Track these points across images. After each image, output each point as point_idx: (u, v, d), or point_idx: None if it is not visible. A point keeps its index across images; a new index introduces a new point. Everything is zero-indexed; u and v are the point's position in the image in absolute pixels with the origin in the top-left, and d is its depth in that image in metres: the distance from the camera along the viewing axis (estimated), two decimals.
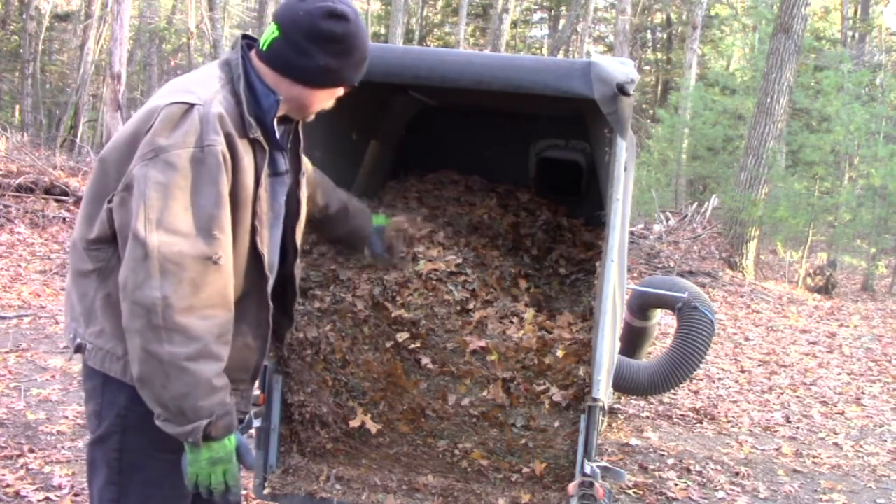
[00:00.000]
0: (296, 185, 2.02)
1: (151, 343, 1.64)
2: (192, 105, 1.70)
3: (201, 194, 1.68)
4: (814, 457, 4.80)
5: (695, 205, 14.49)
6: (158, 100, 1.75)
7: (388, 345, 2.58)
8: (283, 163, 1.94)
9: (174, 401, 1.66)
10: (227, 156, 1.72)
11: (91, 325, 1.80)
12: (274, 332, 2.02)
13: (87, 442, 1.89)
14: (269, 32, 1.83)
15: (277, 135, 1.90)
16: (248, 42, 1.89)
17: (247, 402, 2.01)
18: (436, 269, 2.59)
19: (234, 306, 1.80)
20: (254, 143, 1.80)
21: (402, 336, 2.56)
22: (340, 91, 1.92)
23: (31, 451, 3.91)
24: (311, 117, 1.96)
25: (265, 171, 1.84)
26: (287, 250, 2.01)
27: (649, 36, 28.00)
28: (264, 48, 1.83)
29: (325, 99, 1.91)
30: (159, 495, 1.83)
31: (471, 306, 2.57)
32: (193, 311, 1.65)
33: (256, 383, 2.65)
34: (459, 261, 2.71)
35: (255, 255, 1.84)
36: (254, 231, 1.82)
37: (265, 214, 1.85)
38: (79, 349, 1.84)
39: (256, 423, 2.60)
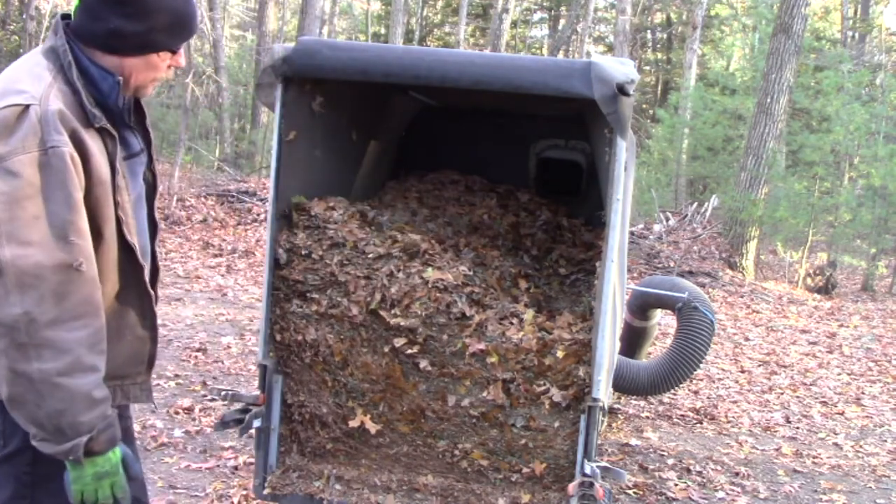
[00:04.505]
0: (150, 160, 1.92)
1: (19, 362, 1.55)
2: (26, 106, 1.59)
3: (51, 200, 1.57)
4: (814, 457, 4.80)
5: (695, 205, 14.48)
6: None
7: (386, 349, 2.58)
8: (136, 142, 1.85)
9: (50, 419, 1.58)
10: (76, 155, 1.61)
11: None
12: None
13: None
14: (76, 2, 1.72)
15: (125, 116, 1.81)
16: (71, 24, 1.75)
17: (147, 394, 1.93)
18: (443, 279, 2.57)
19: (113, 304, 1.75)
20: (101, 132, 1.70)
21: (399, 341, 2.56)
22: (161, 59, 1.77)
23: None
24: (147, 92, 1.82)
25: (120, 155, 1.75)
26: (149, 227, 1.92)
27: (649, 36, 27.99)
28: (73, 19, 1.72)
29: (145, 69, 1.76)
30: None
31: (471, 311, 2.57)
32: (60, 324, 1.57)
33: (256, 383, 2.66)
34: (469, 272, 2.70)
35: (125, 247, 1.76)
36: (119, 222, 1.73)
37: (128, 203, 1.76)
38: None
39: (256, 423, 2.60)
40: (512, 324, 2.59)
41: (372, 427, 2.62)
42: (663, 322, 7.03)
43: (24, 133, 1.57)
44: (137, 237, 1.81)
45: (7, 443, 1.74)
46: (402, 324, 2.53)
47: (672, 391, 5.40)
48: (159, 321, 1.97)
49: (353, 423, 2.62)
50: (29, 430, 1.63)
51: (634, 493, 4.04)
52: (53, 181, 1.58)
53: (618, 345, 3.25)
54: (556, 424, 2.52)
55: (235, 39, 26.14)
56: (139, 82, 1.78)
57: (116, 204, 1.73)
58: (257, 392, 2.62)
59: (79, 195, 1.62)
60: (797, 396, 6.21)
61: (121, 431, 1.76)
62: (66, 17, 1.76)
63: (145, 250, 1.86)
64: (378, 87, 3.01)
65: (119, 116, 1.77)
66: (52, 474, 1.74)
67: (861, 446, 5.06)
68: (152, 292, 1.87)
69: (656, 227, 13.32)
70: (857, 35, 24.78)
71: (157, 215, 1.98)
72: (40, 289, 1.56)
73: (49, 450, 1.62)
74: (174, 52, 1.80)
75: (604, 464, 2.39)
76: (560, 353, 2.49)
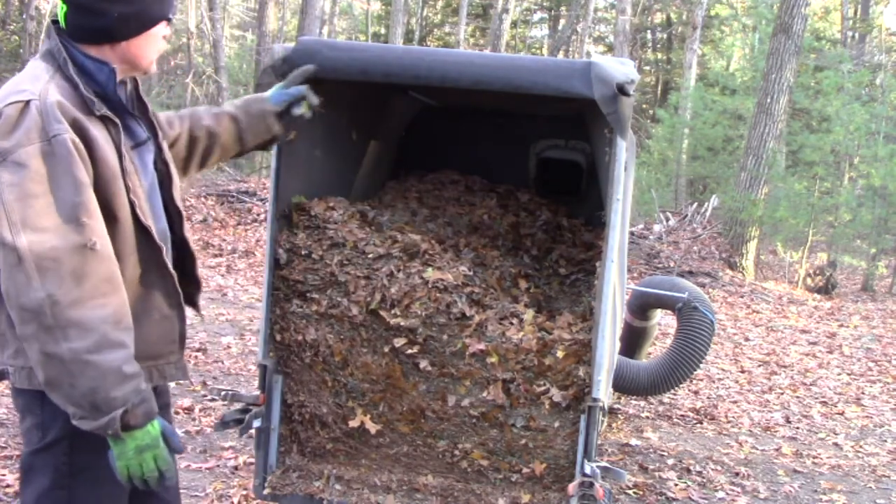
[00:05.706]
0: (159, 150, 1.99)
1: (48, 344, 1.62)
2: (27, 102, 1.68)
3: (59, 186, 1.66)
4: (814, 457, 4.80)
5: (695, 205, 14.48)
6: None
7: (386, 349, 2.58)
8: (141, 130, 1.92)
9: (85, 397, 1.66)
10: (78, 141, 1.70)
11: (5, 348, 1.78)
12: (185, 300, 2.01)
13: (24, 453, 1.85)
14: (61, 9, 1.79)
15: (124, 101, 1.89)
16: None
17: (183, 372, 2.00)
18: (443, 279, 2.57)
19: (137, 286, 1.81)
20: (104, 120, 1.79)
21: (399, 341, 2.56)
22: (162, 29, 1.88)
23: None
24: (153, 67, 1.92)
25: (126, 143, 1.83)
26: (171, 215, 1.99)
27: (649, 36, 27.98)
28: (64, 27, 1.80)
29: (150, 45, 1.87)
30: (107, 492, 1.83)
31: (471, 311, 2.57)
32: (83, 303, 1.64)
33: (256, 383, 2.67)
34: (469, 272, 2.70)
35: (141, 230, 1.83)
36: (132, 206, 1.81)
37: (139, 187, 1.84)
38: (1, 375, 1.81)
39: (256, 423, 2.60)
40: (512, 324, 2.58)
41: (372, 427, 2.62)
42: (663, 322, 7.03)
43: (27, 126, 1.66)
44: (153, 221, 1.88)
45: (45, 434, 1.80)
46: (402, 324, 2.54)
47: (672, 391, 5.40)
48: None
49: (353, 423, 2.62)
50: (68, 410, 1.69)
51: (634, 493, 4.04)
52: (59, 168, 1.67)
53: (618, 345, 3.25)
54: (556, 424, 2.52)
55: (235, 39, 26.14)
56: (148, 58, 1.89)
57: (128, 188, 1.80)
58: (257, 392, 2.62)
59: (85, 178, 1.70)
60: (797, 396, 6.21)
61: (159, 409, 1.81)
62: (56, 21, 1.84)
63: (164, 234, 1.93)
64: (378, 87, 3.01)
65: (119, 105, 1.85)
66: (90, 464, 1.80)
67: (861, 446, 5.06)
68: (174, 272, 1.92)
69: (656, 227, 13.33)
70: (857, 35, 24.78)
71: (181, 206, 2.03)
72: (59, 271, 1.63)
73: (88, 426, 1.69)
74: (169, 21, 1.90)
75: (604, 464, 2.39)
76: (560, 354, 2.49)
